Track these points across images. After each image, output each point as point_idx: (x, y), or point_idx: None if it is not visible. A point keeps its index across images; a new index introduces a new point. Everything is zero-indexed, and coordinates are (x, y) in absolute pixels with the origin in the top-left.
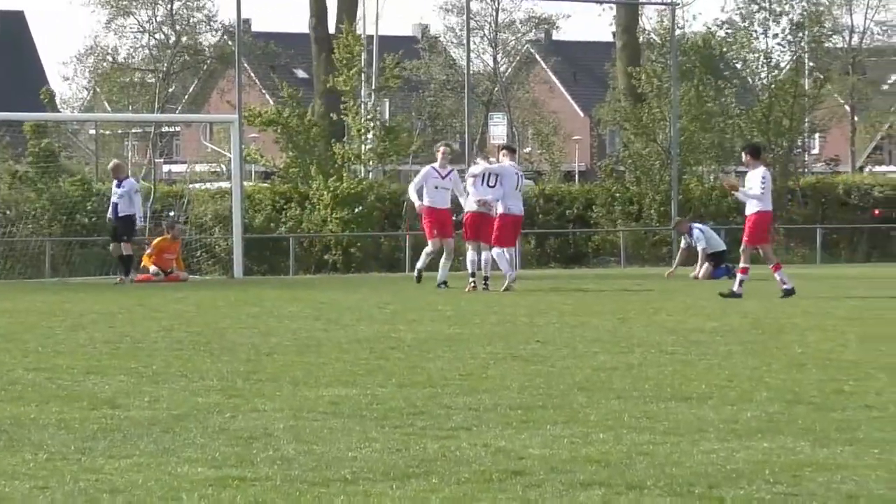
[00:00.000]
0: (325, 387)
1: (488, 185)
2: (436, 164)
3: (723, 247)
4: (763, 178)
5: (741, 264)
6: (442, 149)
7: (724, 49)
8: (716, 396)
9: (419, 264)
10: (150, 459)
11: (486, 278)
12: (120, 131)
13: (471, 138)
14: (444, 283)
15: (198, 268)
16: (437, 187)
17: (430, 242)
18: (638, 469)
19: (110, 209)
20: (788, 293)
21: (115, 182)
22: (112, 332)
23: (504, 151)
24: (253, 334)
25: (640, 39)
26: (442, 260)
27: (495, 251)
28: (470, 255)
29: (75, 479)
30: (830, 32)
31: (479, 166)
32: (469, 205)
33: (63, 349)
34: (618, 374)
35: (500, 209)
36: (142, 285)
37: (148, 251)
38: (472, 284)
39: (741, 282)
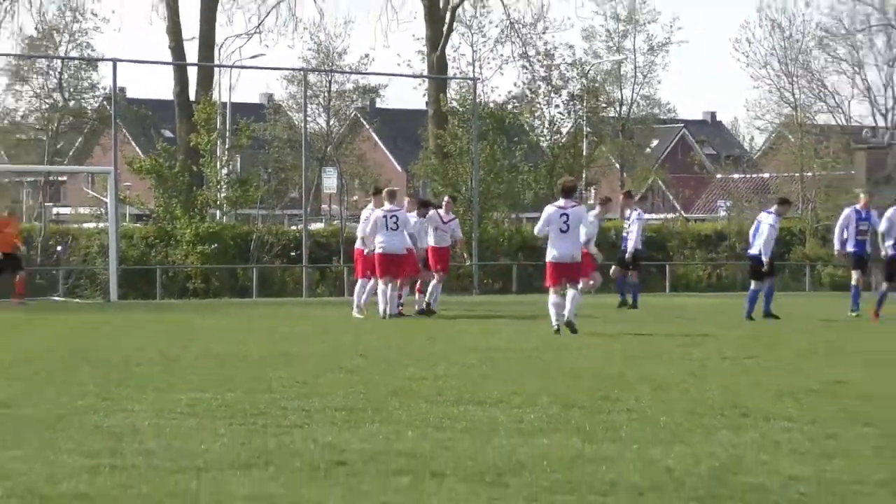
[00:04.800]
0: (183, 392)
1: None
2: (440, 211)
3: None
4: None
5: None
6: (447, 198)
7: (514, 117)
8: (505, 402)
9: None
10: (34, 451)
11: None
12: (17, 179)
13: (307, 188)
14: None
15: (81, 293)
16: (436, 228)
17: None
18: (440, 461)
19: None
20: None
21: None
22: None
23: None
24: (123, 349)
25: (447, 107)
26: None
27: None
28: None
29: None
30: (605, 105)
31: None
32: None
33: None
34: (425, 383)
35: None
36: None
37: None
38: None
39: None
